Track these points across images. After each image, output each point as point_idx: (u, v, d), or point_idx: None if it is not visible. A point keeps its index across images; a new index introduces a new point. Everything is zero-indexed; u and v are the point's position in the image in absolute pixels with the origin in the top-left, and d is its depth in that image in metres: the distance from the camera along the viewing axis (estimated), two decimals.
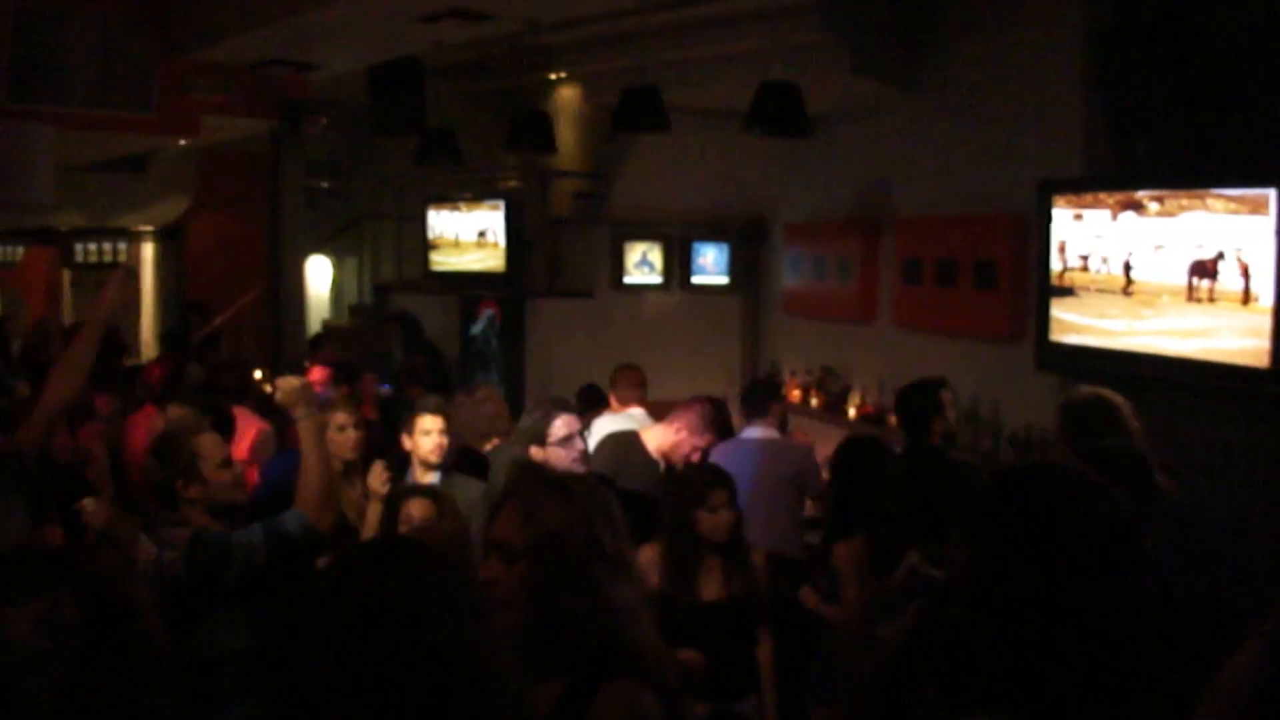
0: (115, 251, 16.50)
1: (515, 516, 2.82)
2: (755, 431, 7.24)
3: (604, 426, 7.37)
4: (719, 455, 6.62)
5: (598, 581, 2.76)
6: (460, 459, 6.19)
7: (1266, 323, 5.70)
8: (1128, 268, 6.54)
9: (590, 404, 8.44)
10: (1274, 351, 5.70)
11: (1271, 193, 5.68)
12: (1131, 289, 6.51)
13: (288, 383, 4.86)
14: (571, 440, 5.61)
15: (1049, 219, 7.07)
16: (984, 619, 2.22)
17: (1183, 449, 6.35)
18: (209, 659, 4.49)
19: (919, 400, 6.59)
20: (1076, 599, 2.13)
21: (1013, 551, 2.20)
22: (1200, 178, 6.14)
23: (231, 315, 15.04)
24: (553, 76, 11.63)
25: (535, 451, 5.53)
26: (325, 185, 16.27)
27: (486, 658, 2.17)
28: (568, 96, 11.95)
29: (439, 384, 10.59)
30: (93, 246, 16.47)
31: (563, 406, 5.89)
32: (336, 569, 2.34)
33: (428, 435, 5.83)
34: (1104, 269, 6.69)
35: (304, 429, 4.75)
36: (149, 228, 16.63)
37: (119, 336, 10.89)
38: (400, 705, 2.06)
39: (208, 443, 4.88)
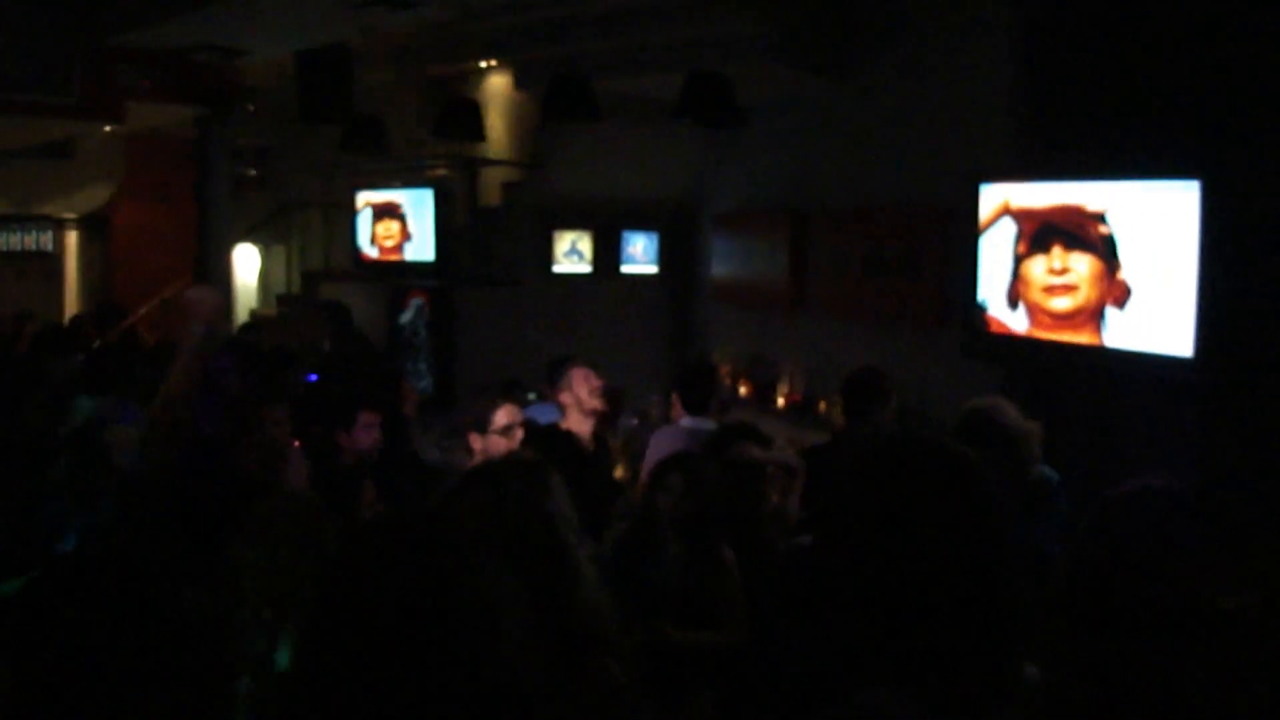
0: (38, 240, 16.29)
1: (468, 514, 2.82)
2: (693, 421, 7.22)
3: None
4: (659, 441, 6.65)
5: (577, 559, 2.81)
6: None
7: (1191, 314, 5.81)
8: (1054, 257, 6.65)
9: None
10: (1198, 341, 5.80)
11: (1195, 185, 5.78)
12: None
13: None
14: (512, 431, 5.60)
15: (976, 209, 7.15)
16: (850, 590, 2.26)
17: (1108, 436, 6.45)
18: None
19: (868, 388, 6.64)
20: (937, 567, 2.17)
21: (868, 522, 2.24)
22: (1126, 170, 6.23)
23: (157, 306, 14.88)
24: (483, 64, 11.60)
25: (474, 439, 5.50)
26: (253, 173, 16.16)
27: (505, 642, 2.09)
28: (498, 84, 11.93)
29: (369, 373, 10.54)
30: (15, 235, 16.24)
31: (511, 396, 5.93)
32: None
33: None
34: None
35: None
36: (73, 215, 16.42)
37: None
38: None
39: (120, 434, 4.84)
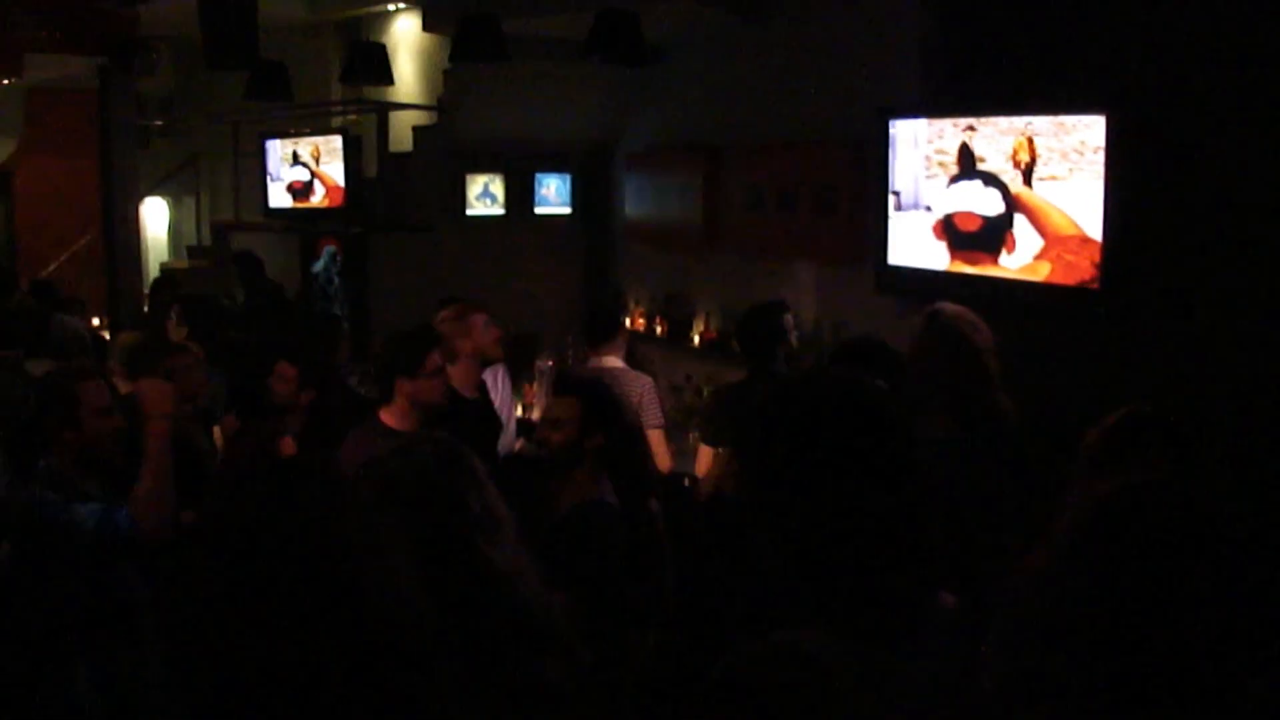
0: None
1: (372, 495, 2.71)
2: (600, 361, 7.23)
3: None
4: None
5: (474, 549, 2.73)
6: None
7: (1097, 246, 5.90)
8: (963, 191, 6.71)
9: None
10: (1103, 273, 5.89)
11: (1101, 119, 5.85)
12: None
13: (154, 387, 4.74)
14: (442, 372, 5.54)
15: (887, 144, 7.20)
16: (763, 528, 2.28)
17: (1018, 368, 6.53)
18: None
19: (762, 325, 6.64)
20: (851, 502, 2.20)
21: (776, 457, 2.26)
22: (1033, 104, 6.30)
23: (64, 263, 14.64)
24: (390, 7, 11.47)
25: (401, 383, 5.42)
26: (159, 124, 15.90)
27: (392, 596, 2.07)
28: (406, 27, 11.81)
29: (284, 323, 10.47)
30: None
31: (432, 339, 5.74)
32: (234, 495, 2.17)
33: None
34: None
35: (159, 431, 4.59)
36: None
37: None
38: (296, 630, 1.95)
39: (90, 388, 4.64)
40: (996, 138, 6.50)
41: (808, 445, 2.24)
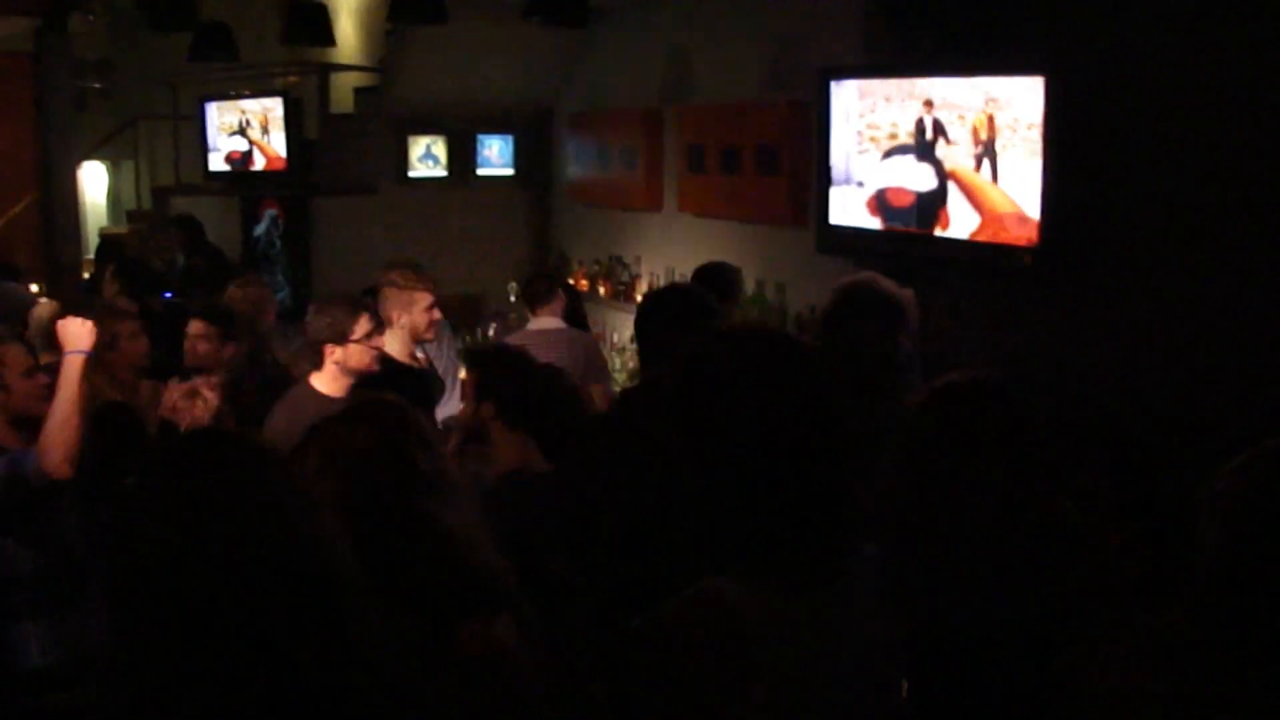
0: None
1: (317, 459, 2.73)
2: (539, 323, 7.24)
3: None
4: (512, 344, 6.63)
5: (421, 510, 2.70)
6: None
7: (1036, 204, 5.95)
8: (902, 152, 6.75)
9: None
10: (1041, 231, 5.94)
11: (1040, 81, 5.89)
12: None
13: (73, 324, 4.79)
14: (371, 337, 5.51)
15: (828, 105, 7.22)
16: (693, 481, 2.31)
17: (959, 326, 6.60)
18: None
19: (715, 283, 6.69)
20: (772, 454, 2.23)
21: (704, 409, 2.29)
22: (975, 65, 6.33)
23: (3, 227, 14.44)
24: None
25: (330, 350, 5.39)
26: (97, 86, 15.71)
27: (326, 556, 2.06)
28: None
29: (221, 287, 10.38)
30: None
31: (360, 305, 5.66)
32: (156, 465, 2.15)
33: None
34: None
35: (72, 364, 4.65)
36: None
37: None
38: (236, 603, 1.95)
39: (12, 352, 4.75)
40: (933, 98, 6.53)
41: (735, 400, 2.26)
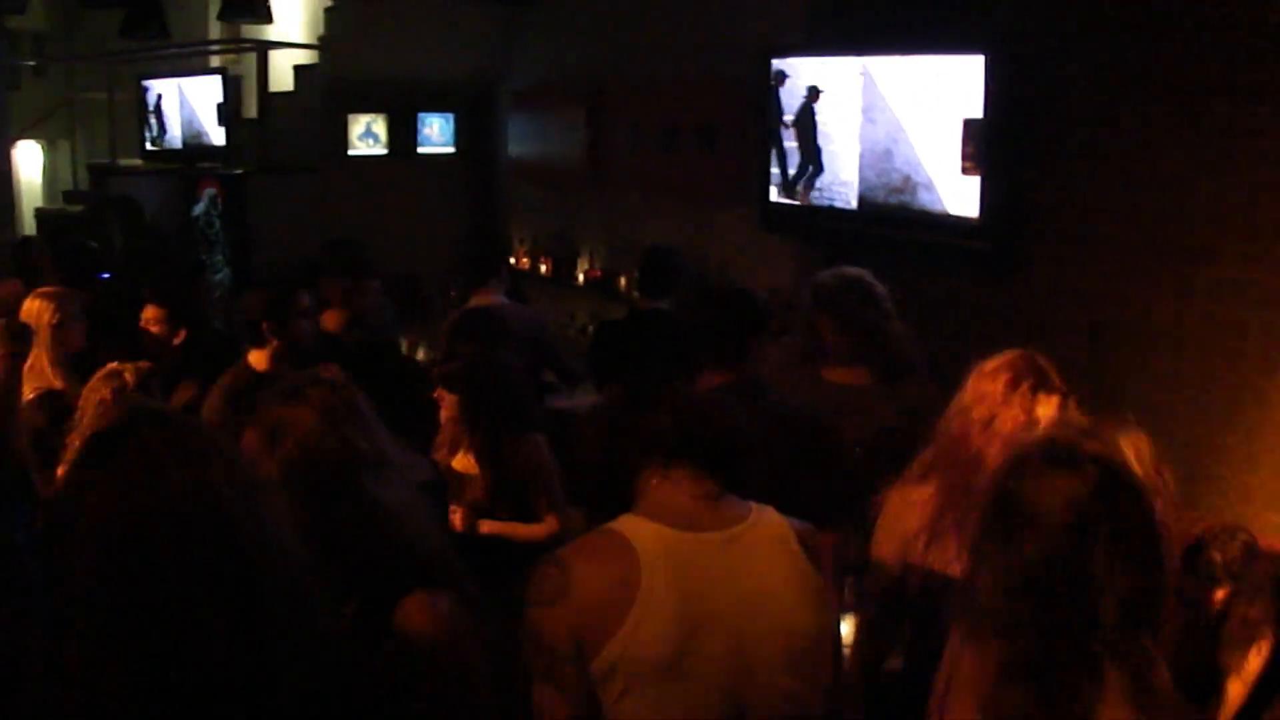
0: None
1: (258, 439, 2.71)
2: (482, 299, 7.11)
3: None
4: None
5: (362, 490, 2.68)
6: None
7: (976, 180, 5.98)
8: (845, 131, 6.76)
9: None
10: (982, 205, 5.97)
11: (980, 59, 5.91)
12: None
13: None
14: (306, 316, 5.48)
15: (768, 83, 7.22)
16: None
17: (905, 301, 6.62)
18: None
19: (664, 265, 6.74)
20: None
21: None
22: (915, 44, 6.34)
23: None
24: None
25: (270, 326, 5.34)
26: (31, 64, 15.49)
27: (262, 535, 2.03)
28: None
29: (162, 267, 10.26)
30: None
31: (299, 283, 5.66)
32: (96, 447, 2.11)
33: None
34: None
35: None
36: None
37: None
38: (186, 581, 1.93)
39: None
40: (874, 75, 6.55)
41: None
